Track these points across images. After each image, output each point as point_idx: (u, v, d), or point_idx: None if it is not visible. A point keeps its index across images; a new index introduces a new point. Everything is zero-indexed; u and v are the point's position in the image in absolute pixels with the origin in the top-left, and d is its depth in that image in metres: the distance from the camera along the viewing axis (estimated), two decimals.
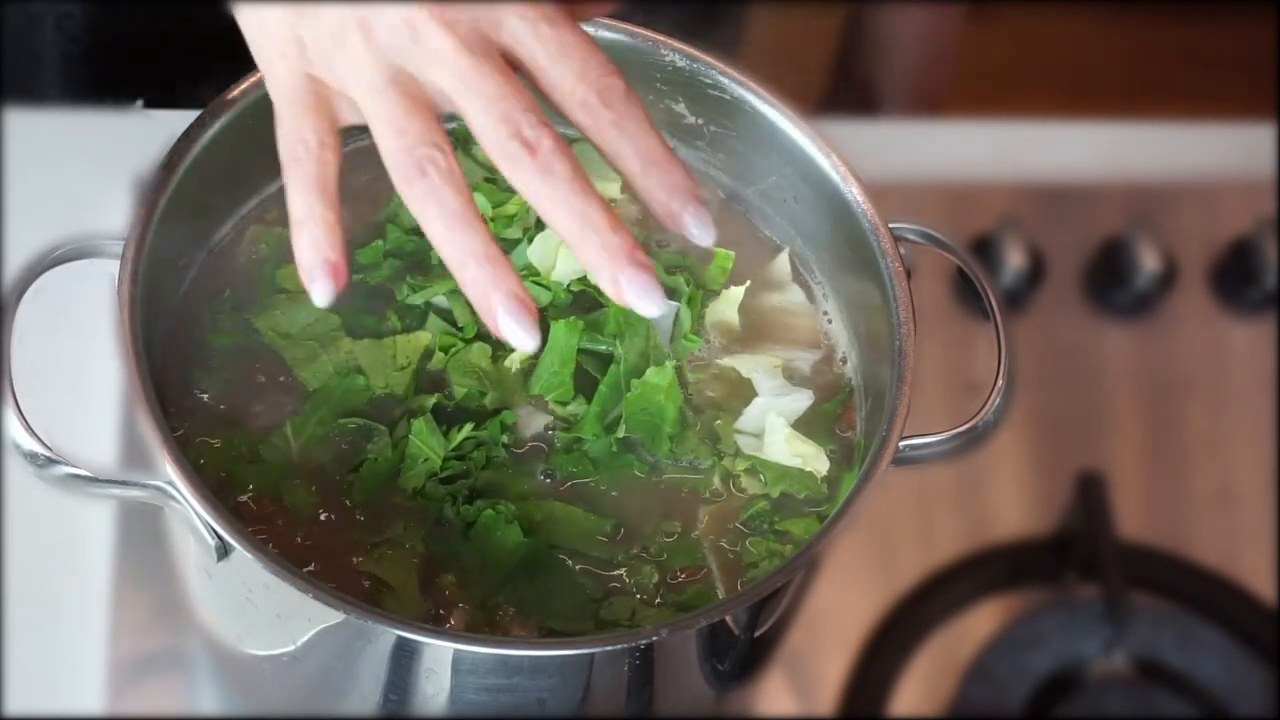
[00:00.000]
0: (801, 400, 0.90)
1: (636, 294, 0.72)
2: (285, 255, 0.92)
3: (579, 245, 0.72)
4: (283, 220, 0.94)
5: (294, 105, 0.76)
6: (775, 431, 0.88)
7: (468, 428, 0.86)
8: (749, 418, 0.90)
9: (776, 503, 0.88)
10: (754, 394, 0.90)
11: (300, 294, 0.89)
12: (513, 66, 0.75)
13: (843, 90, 1.46)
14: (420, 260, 0.92)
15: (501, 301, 0.73)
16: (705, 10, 1.09)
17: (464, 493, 0.86)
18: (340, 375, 0.88)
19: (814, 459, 0.88)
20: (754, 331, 0.94)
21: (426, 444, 0.85)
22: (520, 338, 0.73)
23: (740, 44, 1.36)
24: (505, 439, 0.87)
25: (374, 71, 0.74)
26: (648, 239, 0.95)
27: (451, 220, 0.73)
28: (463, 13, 0.74)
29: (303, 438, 0.86)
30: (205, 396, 0.88)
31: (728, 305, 0.93)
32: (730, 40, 1.34)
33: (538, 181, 0.72)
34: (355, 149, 0.82)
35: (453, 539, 0.85)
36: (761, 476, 0.88)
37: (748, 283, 0.94)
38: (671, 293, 0.90)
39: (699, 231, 0.75)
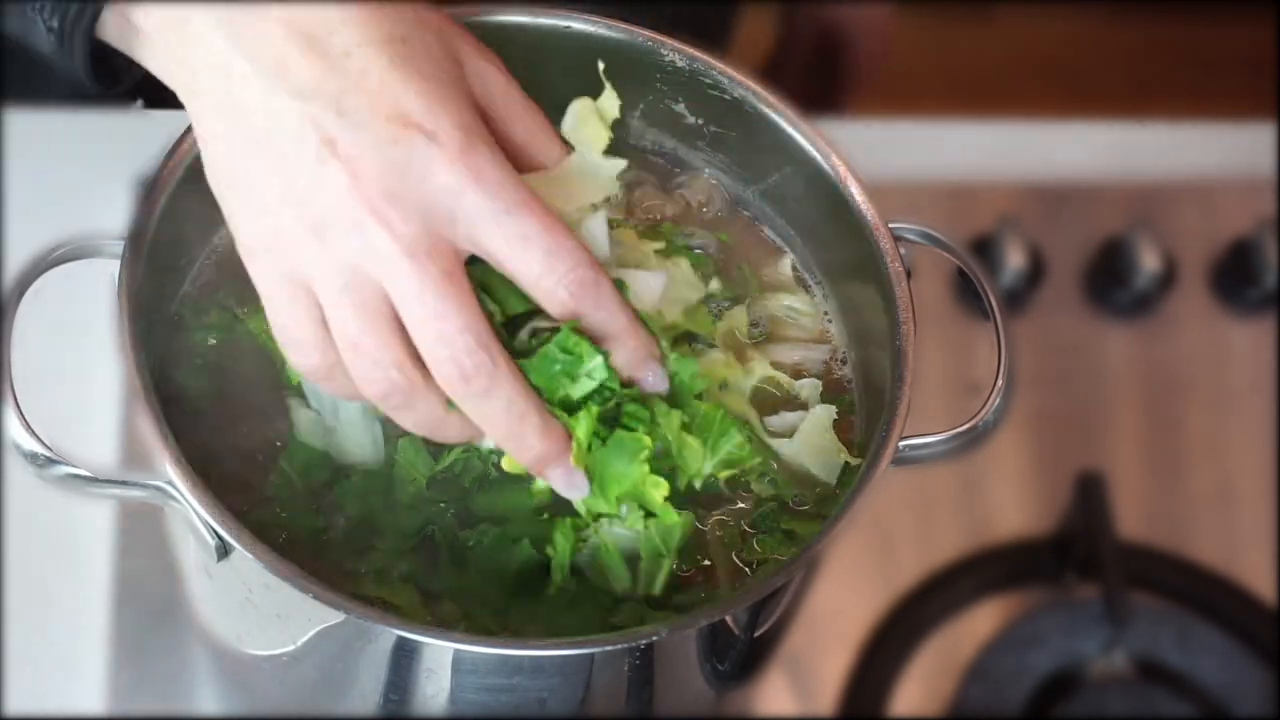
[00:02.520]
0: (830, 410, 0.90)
1: (561, 487, 0.78)
2: None
3: (514, 455, 0.77)
4: None
5: (278, 306, 0.76)
6: (820, 419, 0.89)
7: (456, 450, 0.84)
8: (783, 418, 0.90)
9: (784, 503, 0.88)
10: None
11: None
12: (477, 256, 0.74)
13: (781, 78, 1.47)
14: None
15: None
16: (692, 11, 1.09)
17: (450, 514, 0.85)
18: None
19: (835, 462, 0.89)
20: (765, 335, 0.94)
21: (412, 465, 0.84)
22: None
23: (729, 44, 1.36)
24: (495, 458, 0.85)
25: (329, 274, 0.73)
26: (675, 232, 0.95)
27: (428, 428, 0.77)
28: (411, 208, 0.72)
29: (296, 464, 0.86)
30: (193, 395, 0.88)
31: (738, 313, 0.93)
32: (720, 40, 1.35)
33: (472, 403, 0.75)
34: None
35: (444, 566, 0.84)
36: (771, 479, 0.88)
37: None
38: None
39: (657, 384, 0.79)
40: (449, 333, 0.73)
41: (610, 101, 0.85)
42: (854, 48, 1.47)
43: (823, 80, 1.47)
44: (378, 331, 0.74)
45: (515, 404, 0.75)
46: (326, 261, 0.73)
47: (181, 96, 0.77)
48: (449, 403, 0.76)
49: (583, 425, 0.78)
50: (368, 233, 0.72)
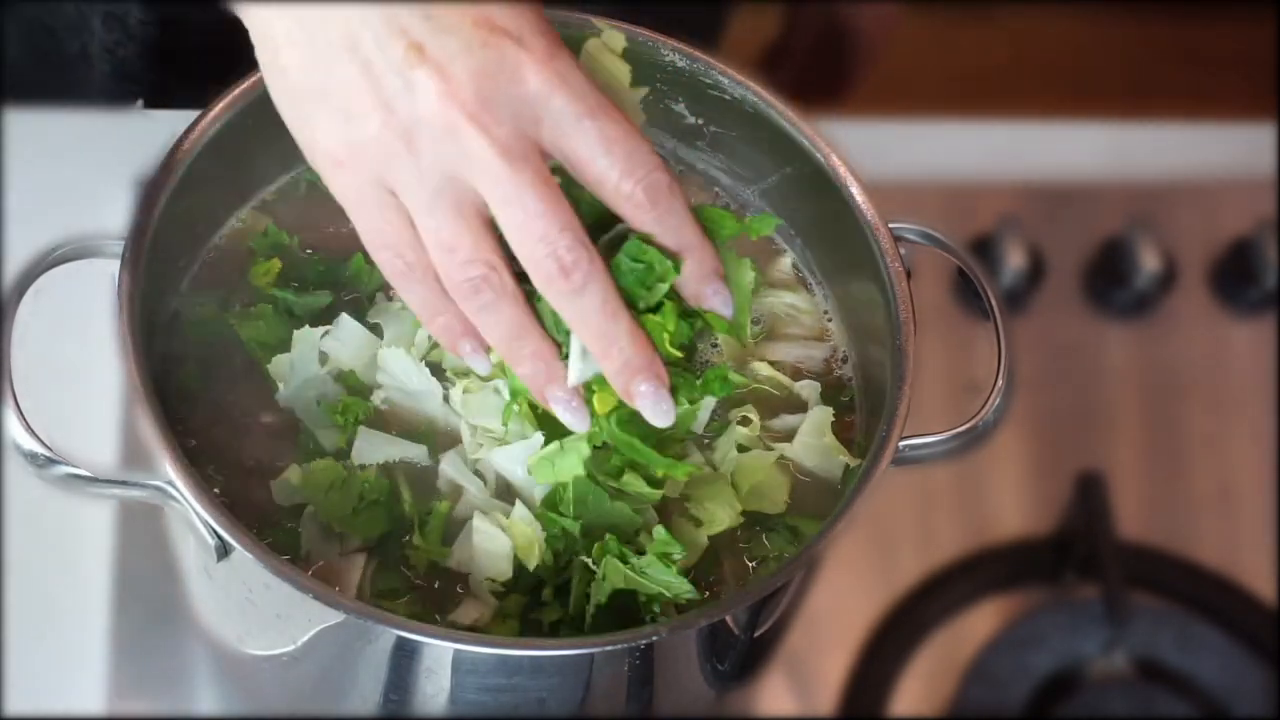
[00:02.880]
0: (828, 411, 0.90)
1: (649, 405, 0.78)
2: (265, 254, 0.93)
3: (602, 358, 0.77)
4: (284, 217, 0.94)
5: (367, 213, 0.76)
6: (818, 421, 0.89)
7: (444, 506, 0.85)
8: (783, 421, 0.90)
9: (790, 502, 0.88)
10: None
11: (286, 308, 0.90)
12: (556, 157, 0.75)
13: (781, 65, 1.47)
14: None
15: (549, 393, 0.79)
16: (689, 10, 1.09)
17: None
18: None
19: (836, 463, 0.89)
20: (765, 332, 0.94)
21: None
22: (572, 421, 0.80)
23: (720, 42, 1.36)
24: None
25: (422, 183, 0.74)
26: (715, 201, 0.97)
27: (508, 333, 0.77)
28: (504, 111, 0.73)
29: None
30: (192, 395, 0.88)
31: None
32: (712, 40, 1.34)
33: (568, 300, 0.75)
34: None
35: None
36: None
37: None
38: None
39: (723, 307, 0.79)
40: (549, 231, 0.73)
41: (614, 37, 0.86)
42: (857, 38, 1.47)
43: (823, 70, 1.47)
44: (472, 232, 0.74)
45: (610, 300, 0.75)
46: (418, 167, 0.73)
47: (254, 5, 0.76)
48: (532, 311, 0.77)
49: (670, 319, 0.78)
50: (461, 137, 0.72)
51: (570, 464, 0.82)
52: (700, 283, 0.78)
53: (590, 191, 0.76)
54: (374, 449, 0.86)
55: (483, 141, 0.72)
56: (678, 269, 0.77)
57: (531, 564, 0.83)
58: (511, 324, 0.77)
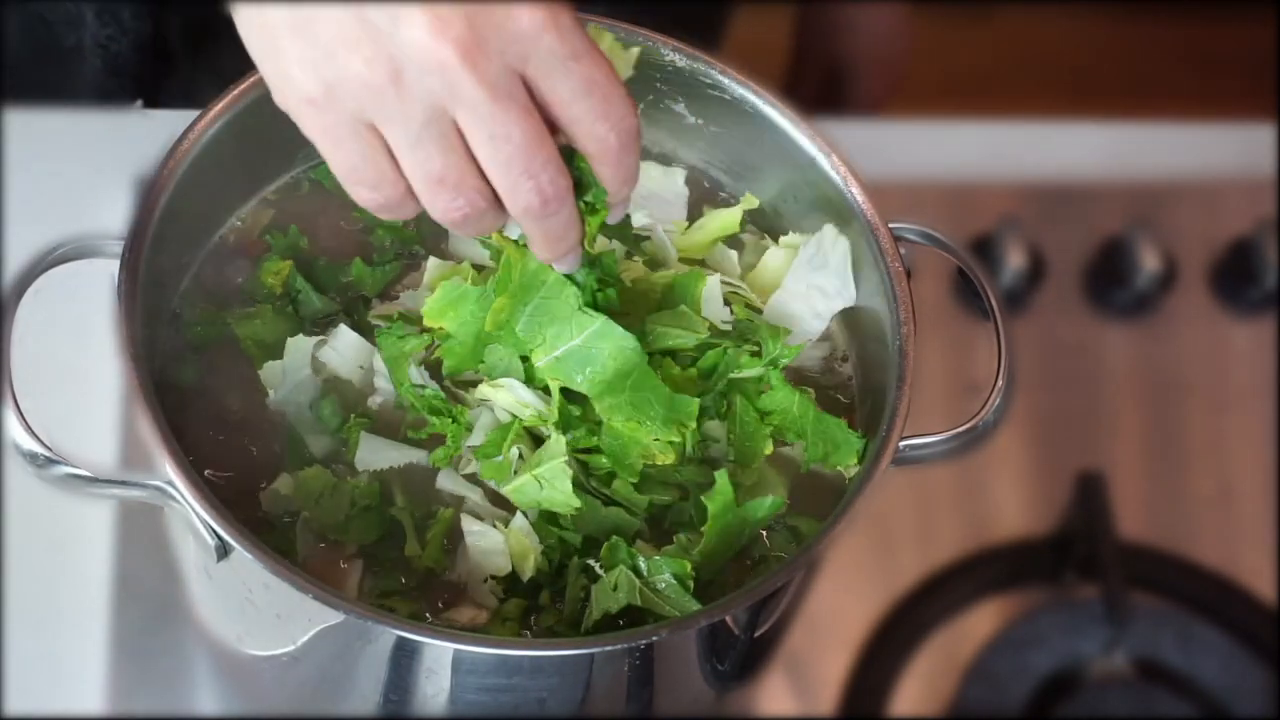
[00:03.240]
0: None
1: (570, 265, 0.82)
2: (281, 253, 0.93)
3: (549, 245, 0.80)
4: (283, 217, 0.94)
5: (345, 150, 0.76)
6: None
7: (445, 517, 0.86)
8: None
9: (790, 501, 0.88)
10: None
11: (283, 308, 0.90)
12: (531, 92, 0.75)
13: (796, 88, 1.47)
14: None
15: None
16: (682, 12, 1.09)
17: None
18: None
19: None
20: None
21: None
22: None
23: (721, 42, 1.36)
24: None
25: (408, 118, 0.74)
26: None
27: (481, 232, 0.78)
28: (493, 47, 0.73)
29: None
30: (192, 394, 0.88)
31: (774, 266, 0.95)
32: (712, 41, 1.35)
33: (539, 222, 0.78)
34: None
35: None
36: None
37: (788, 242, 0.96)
38: None
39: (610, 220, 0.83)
40: (534, 165, 0.75)
41: (603, 36, 0.87)
42: (865, 77, 1.48)
43: (835, 100, 1.47)
44: (459, 165, 0.75)
45: (574, 217, 0.79)
46: (403, 102, 0.73)
47: None
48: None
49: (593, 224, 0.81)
50: (450, 72, 0.72)
51: (559, 497, 0.83)
52: (621, 202, 0.81)
53: (558, 125, 0.76)
54: (377, 455, 0.86)
55: (472, 79, 0.72)
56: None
57: (526, 574, 0.83)
58: (493, 224, 0.79)
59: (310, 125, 0.75)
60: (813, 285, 0.93)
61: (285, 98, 0.75)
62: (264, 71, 0.75)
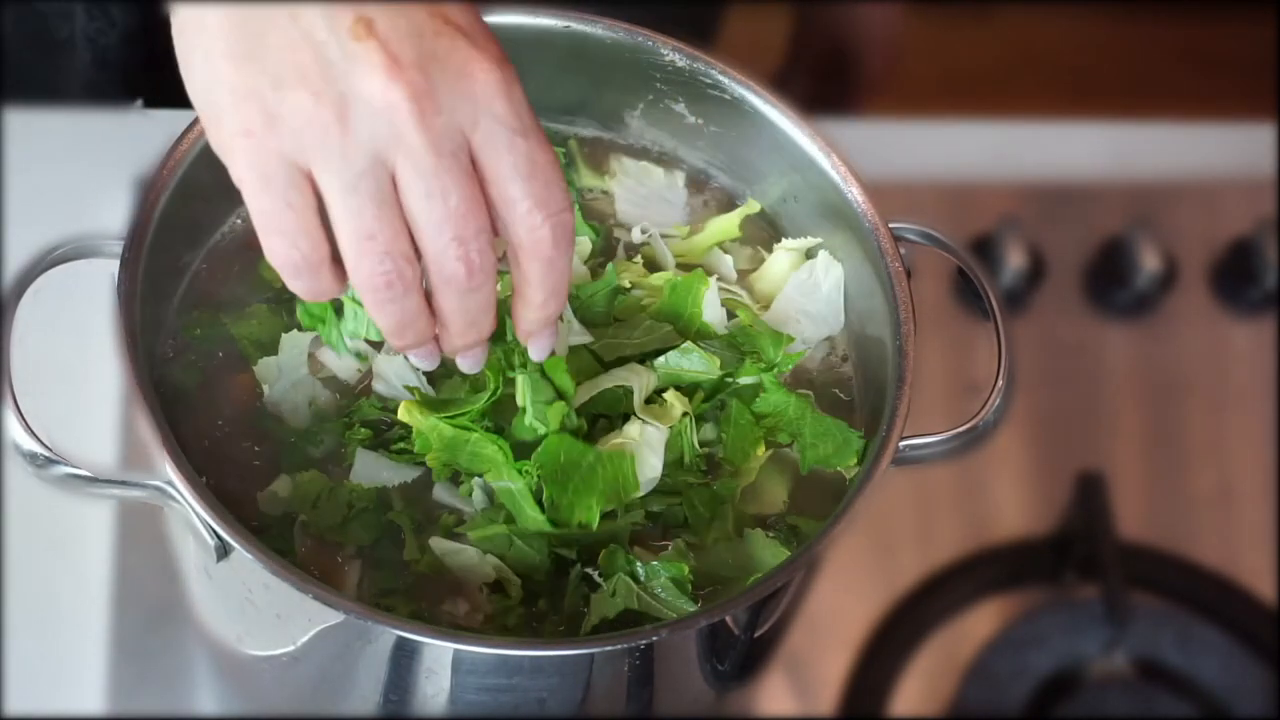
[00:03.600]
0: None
1: (473, 363, 0.80)
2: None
3: (463, 334, 0.76)
4: None
5: (271, 192, 0.71)
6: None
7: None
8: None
9: (790, 501, 0.88)
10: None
11: (279, 307, 0.90)
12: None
13: (793, 76, 1.47)
14: None
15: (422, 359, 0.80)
16: (686, 10, 1.09)
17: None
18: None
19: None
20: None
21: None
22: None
23: (716, 42, 1.36)
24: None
25: (347, 162, 0.70)
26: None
27: (402, 323, 0.75)
28: (445, 102, 0.70)
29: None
30: (191, 394, 0.88)
31: (773, 276, 0.95)
32: (709, 39, 1.35)
33: (459, 296, 0.74)
34: None
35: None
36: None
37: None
38: None
39: (536, 354, 0.82)
40: (467, 232, 0.72)
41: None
42: (863, 60, 1.48)
43: (831, 91, 1.48)
44: (393, 223, 0.71)
45: (492, 303, 0.75)
46: (346, 143, 0.69)
47: None
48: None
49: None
50: (398, 118, 0.69)
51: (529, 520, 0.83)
52: (543, 325, 0.78)
53: (491, 206, 0.73)
54: (374, 472, 0.86)
55: (419, 128, 0.70)
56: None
57: (514, 591, 0.83)
58: (411, 312, 0.74)
59: (241, 162, 0.71)
60: (802, 310, 0.93)
61: (219, 130, 0.72)
62: (199, 102, 0.72)
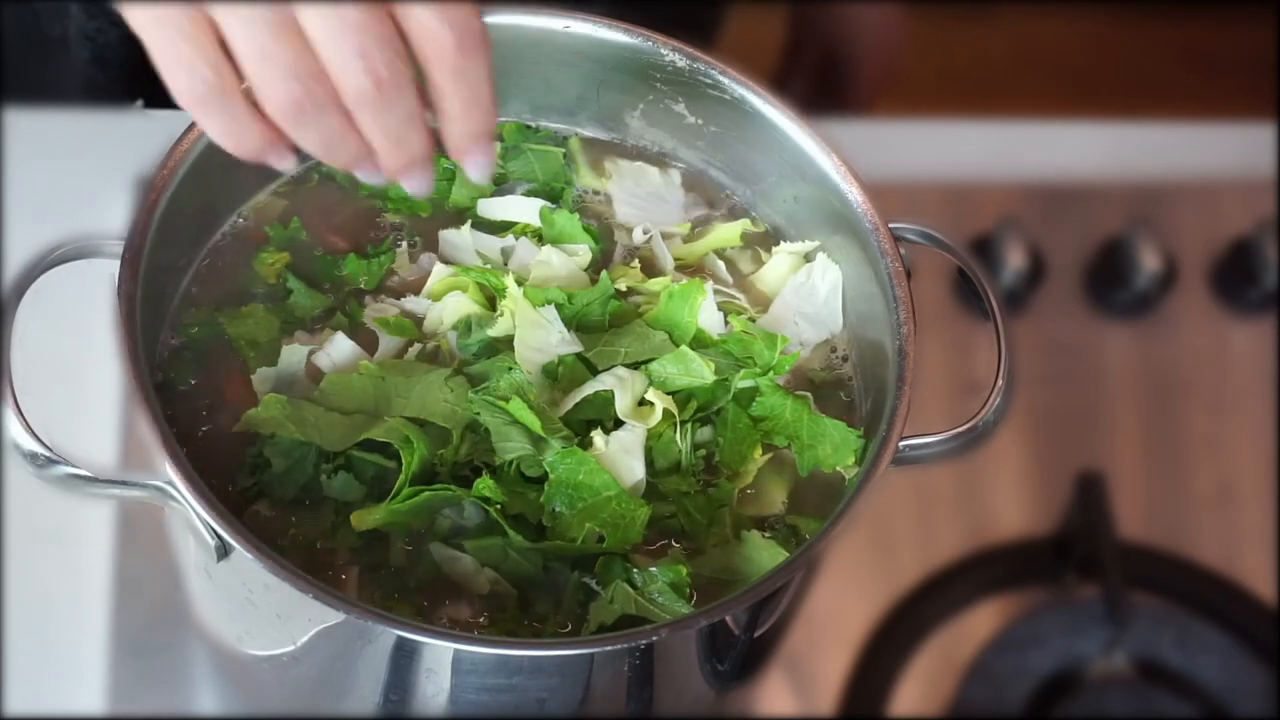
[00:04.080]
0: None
1: (421, 185, 0.76)
2: (279, 245, 0.93)
3: (393, 155, 0.74)
4: (292, 210, 0.94)
5: (167, 27, 0.71)
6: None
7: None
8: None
9: (790, 502, 0.88)
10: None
11: (275, 306, 0.90)
12: None
13: (791, 79, 1.47)
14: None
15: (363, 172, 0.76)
16: (686, 10, 1.09)
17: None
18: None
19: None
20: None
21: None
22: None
23: (716, 42, 1.36)
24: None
25: None
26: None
27: (329, 139, 0.73)
28: None
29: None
30: (191, 394, 0.88)
31: (771, 280, 0.95)
32: (709, 39, 1.35)
33: (375, 111, 0.72)
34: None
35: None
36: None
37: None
38: None
39: (474, 170, 0.77)
40: (367, 42, 0.70)
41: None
42: (861, 62, 1.48)
43: (830, 92, 1.48)
44: (292, 43, 0.70)
45: (415, 112, 0.73)
46: None
47: None
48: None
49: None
50: None
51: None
52: (471, 140, 0.76)
53: (397, 24, 0.72)
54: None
55: None
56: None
57: (508, 603, 0.83)
58: (333, 130, 0.73)
59: (139, 14, 0.71)
60: (800, 314, 0.93)
61: None
62: None
